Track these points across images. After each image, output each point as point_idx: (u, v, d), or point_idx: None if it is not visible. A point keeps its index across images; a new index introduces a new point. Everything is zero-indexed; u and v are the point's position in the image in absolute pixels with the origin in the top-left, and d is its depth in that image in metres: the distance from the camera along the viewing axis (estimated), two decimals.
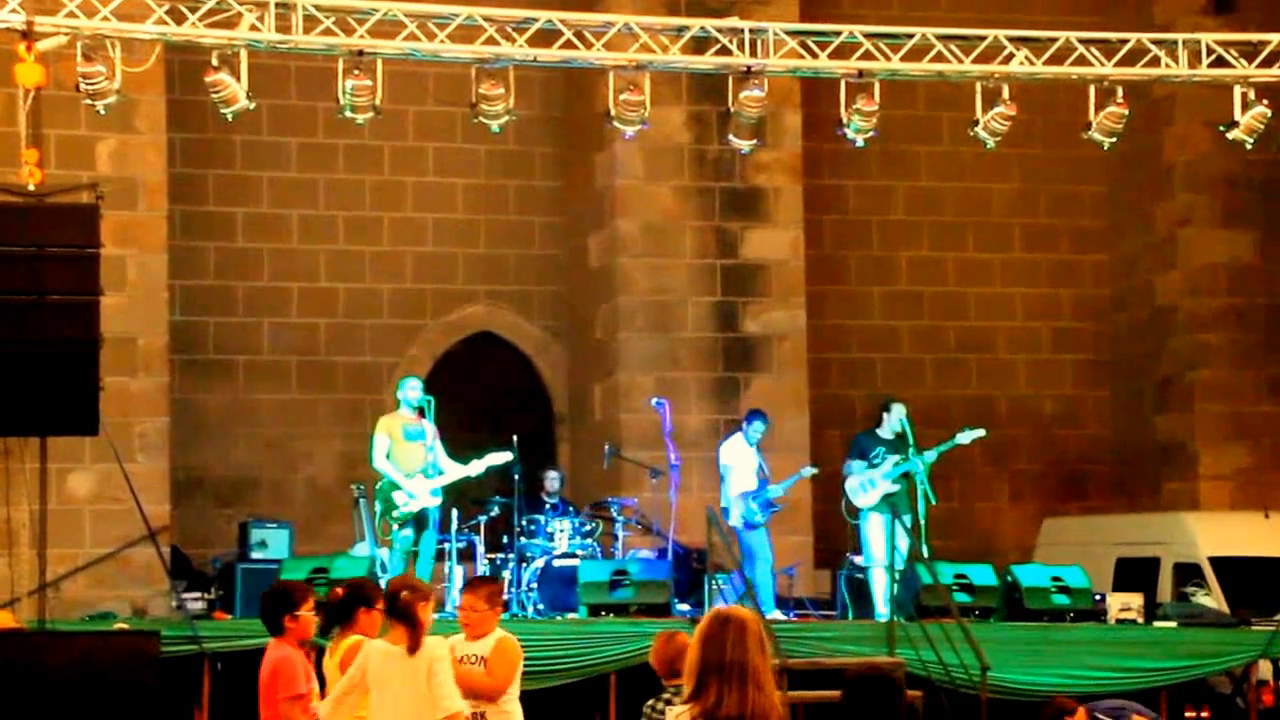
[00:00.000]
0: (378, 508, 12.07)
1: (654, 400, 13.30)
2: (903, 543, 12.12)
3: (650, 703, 6.80)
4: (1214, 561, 13.60)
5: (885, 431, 12.55)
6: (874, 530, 12.41)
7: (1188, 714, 12.15)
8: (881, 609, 12.26)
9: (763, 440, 12.77)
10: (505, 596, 10.85)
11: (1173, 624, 12.43)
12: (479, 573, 12.25)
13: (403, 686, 6.23)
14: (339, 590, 7.11)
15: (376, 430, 12.17)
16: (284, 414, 15.70)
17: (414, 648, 6.25)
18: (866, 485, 12.45)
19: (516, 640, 7.13)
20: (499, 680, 6.95)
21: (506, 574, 12.52)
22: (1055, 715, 7.53)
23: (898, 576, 11.98)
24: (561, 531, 12.77)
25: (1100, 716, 7.84)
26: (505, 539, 12.81)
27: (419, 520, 12.01)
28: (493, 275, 16.26)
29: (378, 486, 12.07)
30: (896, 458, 12.36)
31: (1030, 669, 11.61)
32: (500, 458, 12.19)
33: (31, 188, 10.55)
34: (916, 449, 12.29)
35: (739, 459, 12.68)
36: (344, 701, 6.39)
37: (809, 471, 13.19)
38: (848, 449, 12.86)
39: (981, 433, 12.55)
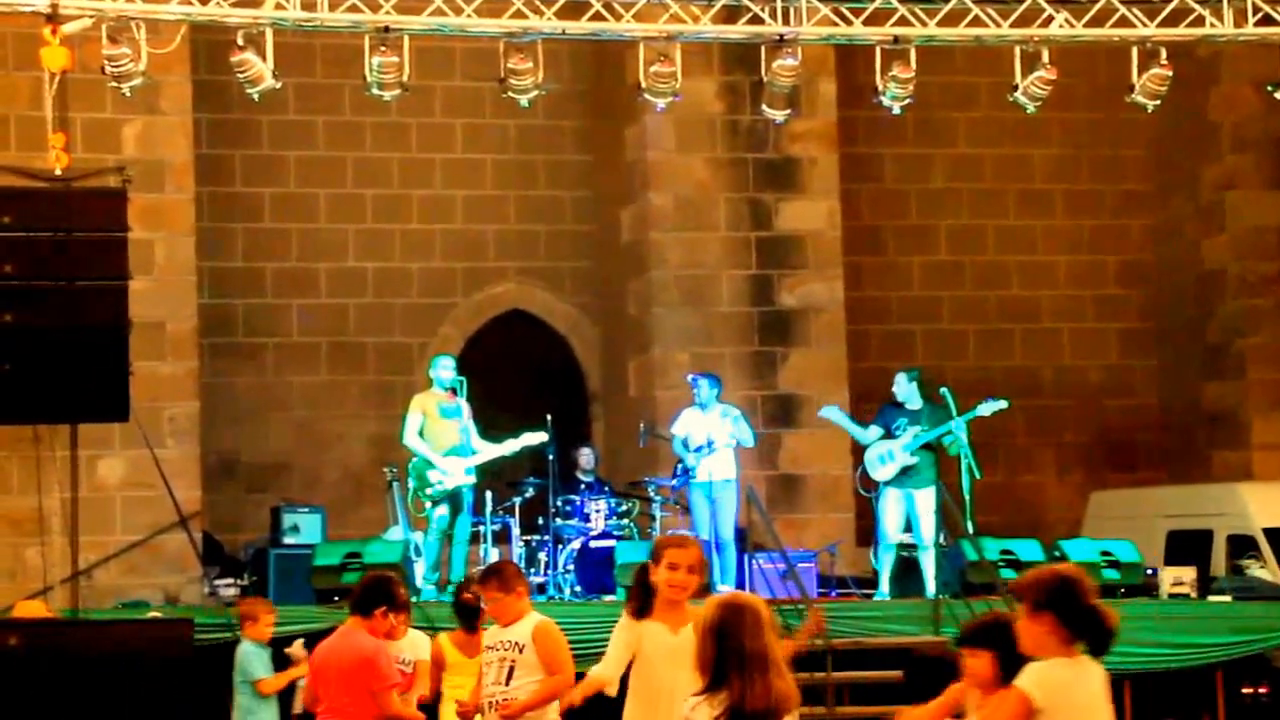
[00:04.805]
0: (410, 485, 11.94)
1: (689, 376, 13.07)
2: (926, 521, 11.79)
3: None
4: (1269, 533, 13.31)
5: (909, 403, 12.23)
6: (890, 508, 12.08)
7: (1245, 691, 11.87)
8: (884, 588, 11.99)
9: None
10: (526, 573, 10.60)
11: (1228, 598, 12.19)
12: (512, 556, 12.09)
13: (678, 665, 6.07)
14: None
15: (410, 408, 12.04)
16: (315, 396, 15.57)
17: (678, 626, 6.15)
18: (885, 457, 12.11)
19: (553, 621, 6.99)
20: (562, 667, 6.80)
21: (543, 556, 12.36)
22: None
23: (944, 552, 11.74)
24: (598, 512, 12.61)
25: None
26: (541, 520, 12.64)
27: (454, 503, 11.86)
28: (523, 252, 16.06)
29: (410, 464, 11.93)
30: (917, 429, 12.06)
31: None
32: (535, 438, 12.06)
33: (58, 172, 10.51)
34: (958, 413, 11.93)
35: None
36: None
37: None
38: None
39: (1003, 404, 12.12)
